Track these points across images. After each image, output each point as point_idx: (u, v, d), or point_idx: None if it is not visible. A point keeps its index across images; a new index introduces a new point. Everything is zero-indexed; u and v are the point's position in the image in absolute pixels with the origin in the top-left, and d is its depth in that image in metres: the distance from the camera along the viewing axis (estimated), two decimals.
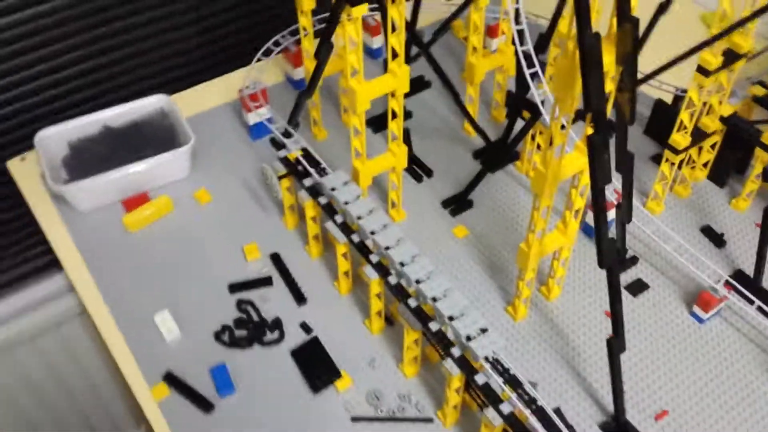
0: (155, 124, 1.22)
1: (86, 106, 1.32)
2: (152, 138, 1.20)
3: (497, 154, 1.19)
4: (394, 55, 0.94)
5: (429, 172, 1.24)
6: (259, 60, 1.32)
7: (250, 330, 1.00)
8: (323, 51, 1.01)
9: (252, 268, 1.08)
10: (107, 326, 1.01)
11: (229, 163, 1.24)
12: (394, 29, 0.91)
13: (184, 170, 1.19)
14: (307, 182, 1.01)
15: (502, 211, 1.18)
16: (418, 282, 0.85)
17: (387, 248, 0.89)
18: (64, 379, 1.69)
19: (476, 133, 1.23)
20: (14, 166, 1.24)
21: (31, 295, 1.53)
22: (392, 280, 0.89)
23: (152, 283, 1.06)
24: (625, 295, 1.05)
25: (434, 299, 0.83)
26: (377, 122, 1.30)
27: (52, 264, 1.52)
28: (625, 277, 1.07)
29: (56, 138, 1.17)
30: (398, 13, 0.90)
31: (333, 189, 0.96)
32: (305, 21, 1.14)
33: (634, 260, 1.09)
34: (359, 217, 0.93)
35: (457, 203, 1.18)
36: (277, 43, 1.33)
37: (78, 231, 1.13)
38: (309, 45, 1.17)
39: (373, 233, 0.91)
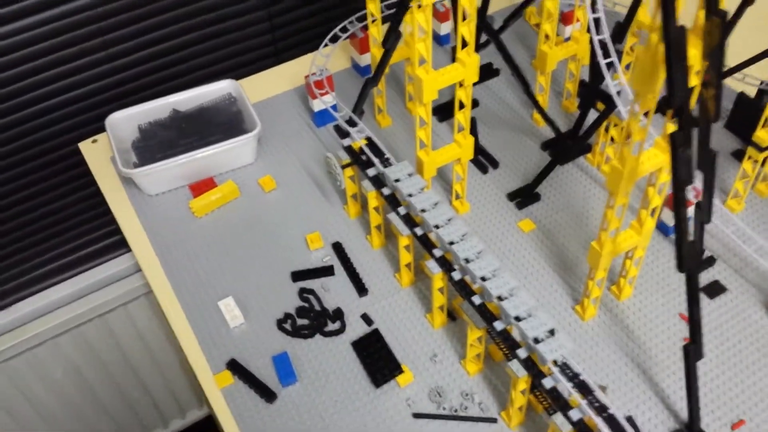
0: (223, 109, 1.22)
1: (156, 89, 1.34)
2: (219, 123, 1.20)
3: (568, 146, 1.15)
4: (464, 44, 0.92)
5: (495, 163, 1.21)
6: (326, 45, 1.31)
7: (312, 319, 0.99)
8: (391, 39, 0.99)
9: (315, 256, 1.08)
10: (173, 311, 1.02)
11: (294, 149, 1.24)
12: (464, 17, 0.89)
13: (250, 156, 1.20)
14: (371, 172, 1.00)
15: (571, 205, 1.14)
16: (483, 279, 0.83)
17: (451, 243, 0.87)
18: (129, 357, 1.74)
19: (546, 123, 1.19)
20: (86, 147, 1.27)
21: (100, 273, 1.57)
22: (456, 275, 0.87)
23: (217, 269, 1.07)
24: (702, 298, 1.00)
25: (500, 298, 0.81)
26: (443, 111, 1.27)
27: (121, 243, 1.56)
28: (702, 279, 1.02)
29: (126, 121, 1.19)
30: (469, 1, 0.87)
31: (397, 180, 0.95)
32: (373, 7, 1.12)
33: (711, 261, 1.04)
34: (423, 210, 0.91)
35: (524, 196, 1.14)
36: (344, 29, 1.31)
37: (146, 214, 1.15)
38: (376, 32, 1.15)
39: (437, 227, 0.89)
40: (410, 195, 0.92)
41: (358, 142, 1.04)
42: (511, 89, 1.33)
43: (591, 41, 1.05)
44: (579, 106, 1.25)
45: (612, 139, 1.13)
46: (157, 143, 1.17)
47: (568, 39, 1.22)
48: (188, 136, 1.18)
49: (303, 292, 1.03)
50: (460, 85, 0.95)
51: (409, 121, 1.29)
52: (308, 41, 1.40)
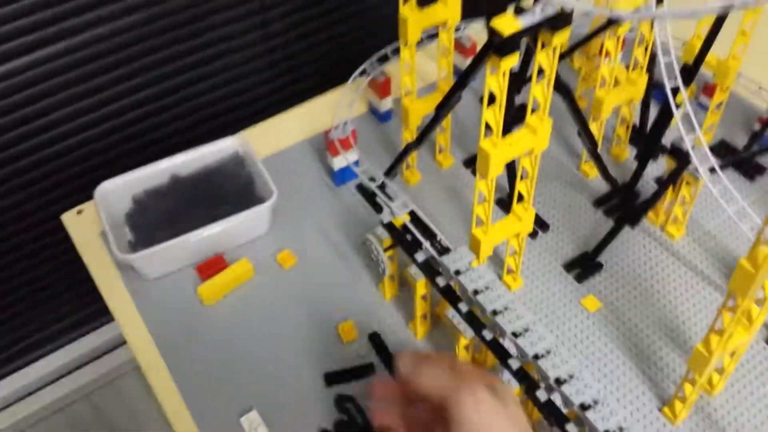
0: (230, 171, 1.06)
1: (150, 151, 1.17)
2: (227, 189, 1.03)
3: (635, 206, 1.01)
4: (535, 107, 0.77)
5: (545, 226, 1.06)
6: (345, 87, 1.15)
7: None
8: (451, 102, 0.83)
9: (348, 350, 0.92)
10: (186, 430, 0.85)
11: (312, 214, 1.08)
12: (540, 76, 0.73)
13: (265, 226, 1.03)
14: (420, 257, 0.84)
15: (637, 275, 0.99)
16: (583, 407, 0.67)
17: (536, 357, 0.71)
18: None
19: (607, 182, 1.04)
20: (70, 220, 1.09)
21: (85, 346, 1.40)
22: (541, 395, 0.71)
23: (235, 373, 0.90)
24: None
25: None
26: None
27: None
28: None
29: (119, 191, 1.02)
30: (547, 59, 0.71)
31: (457, 272, 0.79)
32: (408, 54, 0.96)
33: None
34: (495, 312, 0.75)
35: (584, 266, 1.00)
36: (362, 72, 1.15)
37: (145, 304, 0.98)
38: (410, 82, 1.00)
39: (515, 335, 0.73)
40: (476, 292, 0.77)
41: (400, 218, 0.88)
42: (552, 135, 1.18)
43: (655, 87, 0.91)
44: (637, 157, 1.11)
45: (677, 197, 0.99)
46: (155, 217, 1.00)
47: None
48: (192, 207, 1.01)
49: (340, 400, 0.86)
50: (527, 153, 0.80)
51: (440, 176, 1.13)
52: (314, 89, 1.24)
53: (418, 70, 1.01)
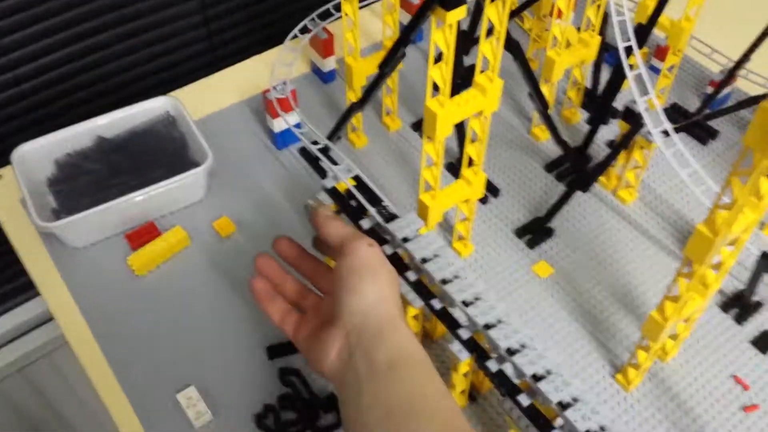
0: (161, 133, 0.99)
1: (74, 112, 1.08)
2: (158, 152, 0.97)
3: (587, 170, 0.98)
4: (484, 67, 0.72)
5: (495, 191, 1.02)
6: (288, 42, 1.08)
7: (300, 410, 0.79)
8: (394, 61, 0.78)
9: None
10: (119, 408, 0.80)
11: (252, 179, 1.02)
12: (489, 33, 0.69)
13: (200, 192, 0.97)
14: (365, 224, 0.79)
15: (589, 240, 0.97)
16: (536, 378, 0.64)
17: (487, 327, 0.68)
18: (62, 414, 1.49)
19: (559, 146, 1.00)
20: None
21: (15, 319, 1.32)
22: (492, 366, 0.68)
23: (171, 347, 0.84)
24: (754, 352, 0.86)
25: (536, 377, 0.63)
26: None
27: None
28: (751, 330, 0.88)
29: (39, 154, 0.94)
30: (497, 14, 0.67)
31: (405, 240, 0.75)
32: (350, 9, 0.90)
33: (757, 306, 0.90)
34: (444, 281, 0.71)
35: (535, 232, 0.97)
36: (303, 29, 1.09)
37: (72, 274, 0.91)
38: (352, 38, 0.94)
39: (466, 304, 0.69)
40: (424, 260, 0.73)
41: (343, 182, 0.83)
42: (502, 97, 1.14)
43: (603, 48, 0.88)
44: (588, 120, 1.08)
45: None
46: (81, 182, 0.93)
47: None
48: (121, 171, 0.94)
49: (284, 374, 0.82)
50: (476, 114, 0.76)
51: (386, 139, 1.09)
52: (252, 46, 1.17)
53: (362, 29, 0.96)
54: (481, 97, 0.73)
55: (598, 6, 0.95)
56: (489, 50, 0.70)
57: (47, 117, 1.07)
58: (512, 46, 0.78)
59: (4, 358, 1.29)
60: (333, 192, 0.83)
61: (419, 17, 0.67)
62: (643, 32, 0.91)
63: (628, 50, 0.87)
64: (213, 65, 1.22)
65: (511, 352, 0.66)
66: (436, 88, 0.70)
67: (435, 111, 0.70)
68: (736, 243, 0.67)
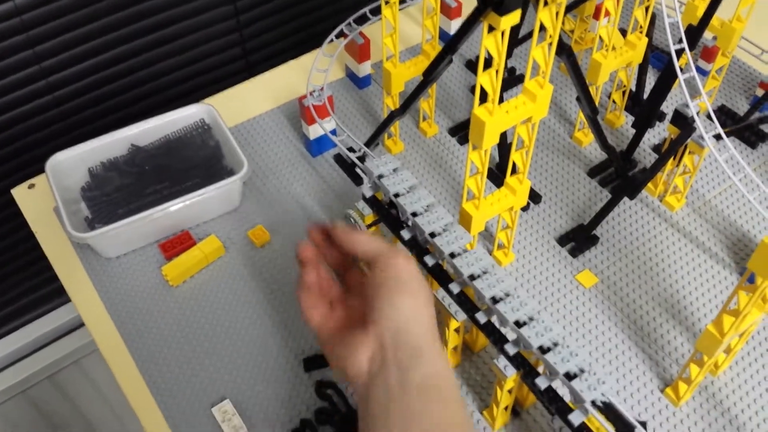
0: (195, 142, 0.97)
1: (107, 120, 1.07)
2: (193, 161, 0.95)
3: (634, 176, 0.94)
4: (534, 72, 0.69)
5: (537, 197, 0.99)
6: (323, 51, 1.06)
7: (337, 425, 0.77)
8: (440, 68, 0.75)
9: None
10: (152, 421, 0.78)
11: (287, 187, 1.00)
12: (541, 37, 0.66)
13: (235, 201, 0.95)
14: (406, 235, 0.77)
15: (635, 248, 0.93)
16: (595, 404, 0.61)
17: (542, 350, 0.64)
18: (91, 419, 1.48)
19: (606, 151, 0.97)
20: (21, 194, 1.00)
21: (45, 326, 1.31)
22: (541, 382, 0.65)
23: (205, 360, 0.83)
24: None
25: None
26: (466, 129, 1.05)
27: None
28: None
29: (74, 163, 0.93)
30: (550, 19, 0.64)
31: (453, 255, 0.71)
32: (389, 13, 0.88)
33: None
34: (495, 300, 0.68)
35: (579, 240, 0.94)
36: (339, 34, 1.07)
37: (105, 285, 0.90)
38: (391, 43, 0.91)
39: (519, 325, 0.66)
40: (473, 277, 0.69)
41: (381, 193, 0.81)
42: None
43: (650, 50, 0.84)
44: (634, 124, 1.04)
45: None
46: (115, 192, 0.92)
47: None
48: (155, 180, 0.92)
49: (321, 387, 0.80)
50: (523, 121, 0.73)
51: (424, 145, 1.06)
52: (286, 51, 1.15)
53: (399, 32, 0.93)
54: (531, 103, 0.70)
55: (647, 7, 0.92)
56: (541, 55, 0.67)
57: (80, 124, 1.05)
58: (564, 50, 0.75)
59: (35, 365, 1.29)
60: (372, 201, 0.81)
61: (471, 22, 0.64)
62: (693, 34, 0.87)
63: (678, 52, 0.83)
64: (246, 70, 1.20)
65: (570, 376, 0.63)
66: (483, 95, 0.67)
67: (484, 119, 0.68)
68: None
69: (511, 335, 0.68)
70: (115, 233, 0.85)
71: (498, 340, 0.69)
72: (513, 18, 0.59)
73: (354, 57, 1.10)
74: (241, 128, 1.07)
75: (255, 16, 1.17)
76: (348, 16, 1.05)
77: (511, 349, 0.67)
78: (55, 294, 1.33)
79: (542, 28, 0.64)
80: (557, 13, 0.63)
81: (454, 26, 1.18)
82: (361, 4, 1.05)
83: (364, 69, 1.12)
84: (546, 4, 0.62)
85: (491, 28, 0.60)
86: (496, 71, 0.64)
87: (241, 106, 1.10)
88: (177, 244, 0.91)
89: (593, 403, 0.61)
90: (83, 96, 1.05)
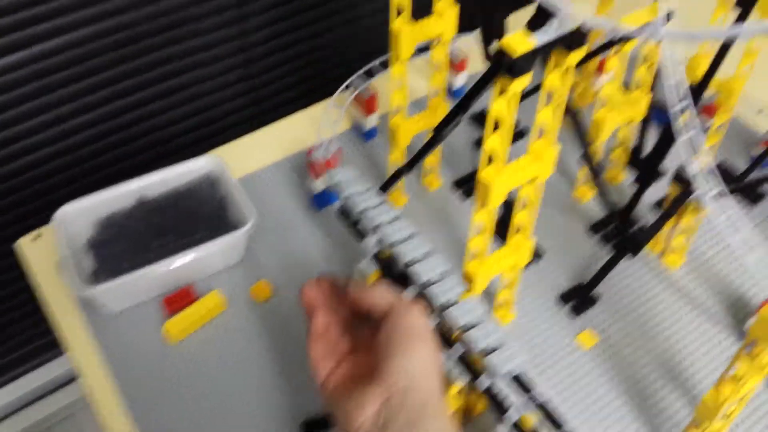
0: (202, 193, 0.98)
1: (115, 168, 1.08)
2: (200, 213, 0.95)
3: (636, 233, 0.95)
4: (541, 133, 0.70)
5: (538, 254, 1.00)
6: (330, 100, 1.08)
7: None
8: (450, 127, 0.76)
9: None
10: None
11: (290, 241, 1.00)
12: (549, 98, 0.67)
13: (239, 255, 0.96)
14: (410, 292, 0.77)
15: (634, 307, 0.94)
16: None
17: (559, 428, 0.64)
18: None
19: (608, 209, 0.98)
20: (27, 246, 1.00)
21: (39, 379, 1.30)
22: None
23: (203, 420, 0.81)
24: None
25: None
26: (470, 183, 1.06)
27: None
28: None
29: (82, 215, 0.93)
30: (560, 80, 0.65)
31: (462, 323, 0.71)
32: (399, 71, 0.89)
33: None
34: (485, 352, 0.68)
35: (580, 298, 0.94)
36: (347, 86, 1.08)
37: (106, 339, 0.89)
38: (401, 99, 0.93)
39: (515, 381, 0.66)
40: (482, 352, 0.69)
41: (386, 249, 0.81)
42: None
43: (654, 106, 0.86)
44: (637, 179, 1.06)
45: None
46: (120, 244, 0.92)
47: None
48: (162, 233, 0.92)
49: None
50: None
51: (428, 199, 1.07)
52: (296, 100, 1.17)
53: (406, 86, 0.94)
54: (537, 163, 0.71)
55: (650, 64, 0.94)
56: (548, 117, 0.68)
57: (86, 173, 1.06)
58: (570, 113, 0.76)
59: (26, 420, 1.26)
60: (379, 258, 0.81)
61: (482, 84, 0.66)
62: (695, 93, 0.89)
63: (681, 111, 0.85)
64: (255, 118, 1.22)
65: None
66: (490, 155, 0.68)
67: (489, 181, 0.69)
68: None
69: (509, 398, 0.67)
70: (120, 287, 0.85)
71: (499, 407, 0.68)
72: (524, 81, 0.60)
73: (361, 109, 1.12)
74: (248, 179, 1.07)
75: (264, 67, 1.19)
76: (355, 65, 1.06)
77: (513, 415, 0.67)
78: (46, 347, 1.32)
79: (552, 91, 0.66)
80: (566, 75, 0.64)
81: (459, 80, 1.20)
82: (367, 54, 1.07)
83: (371, 121, 1.13)
84: (555, 66, 0.63)
85: (502, 90, 0.62)
86: (506, 133, 0.65)
87: (249, 157, 1.11)
88: (180, 298, 0.90)
89: None
90: (91, 145, 1.06)
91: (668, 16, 0.83)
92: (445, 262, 0.73)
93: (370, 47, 1.07)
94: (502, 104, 0.62)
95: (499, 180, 0.69)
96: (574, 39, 0.58)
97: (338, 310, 0.69)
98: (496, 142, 0.66)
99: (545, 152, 0.70)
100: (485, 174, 0.69)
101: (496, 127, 0.65)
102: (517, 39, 0.57)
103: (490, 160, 0.68)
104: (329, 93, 1.08)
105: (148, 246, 0.91)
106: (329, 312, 0.67)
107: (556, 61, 0.61)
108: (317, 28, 1.20)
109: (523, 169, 0.71)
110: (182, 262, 0.87)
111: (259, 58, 1.16)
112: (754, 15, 0.88)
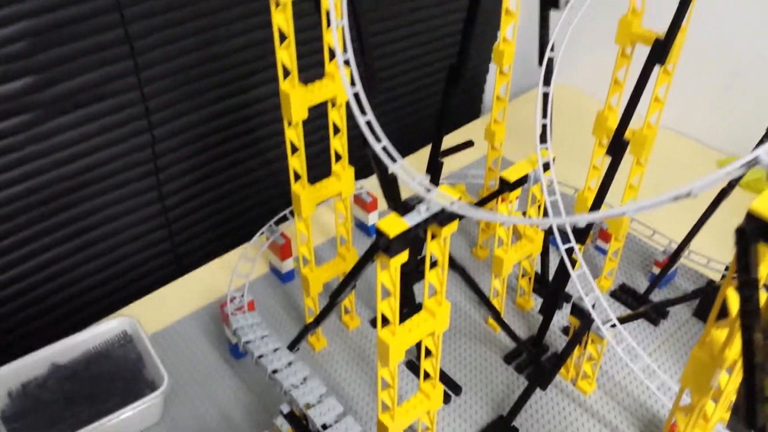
0: (117, 356, 0.98)
1: (24, 329, 1.07)
2: (114, 377, 0.95)
3: (545, 367, 0.99)
4: (433, 292, 0.74)
5: (457, 389, 1.02)
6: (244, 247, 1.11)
7: None
8: (345, 293, 0.80)
9: None
10: None
11: (210, 396, 1.00)
12: (433, 266, 0.71)
13: (156, 416, 0.95)
14: None
15: None
16: None
17: None
18: None
19: (516, 343, 1.02)
20: None
21: None
22: None
23: None
24: None
25: None
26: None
27: None
28: None
29: None
30: (440, 249, 0.70)
31: None
32: (303, 227, 0.94)
33: None
34: None
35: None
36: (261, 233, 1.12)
37: None
38: (307, 251, 0.97)
39: None
40: None
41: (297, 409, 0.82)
42: (456, 288, 1.17)
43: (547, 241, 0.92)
44: (541, 310, 1.10)
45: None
46: (35, 417, 0.90)
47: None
48: (76, 401, 0.92)
49: None
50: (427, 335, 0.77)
51: (347, 338, 1.09)
52: (214, 251, 1.20)
53: (319, 224, 0.99)
54: (432, 320, 0.75)
55: (539, 206, 1.00)
56: (435, 279, 0.72)
57: None
58: (456, 268, 0.81)
59: None
60: (291, 417, 0.82)
61: (366, 259, 0.70)
62: (582, 233, 0.95)
63: (569, 251, 0.90)
64: (175, 263, 1.23)
65: None
66: (385, 319, 0.71)
67: (387, 342, 0.71)
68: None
69: None
70: None
71: None
72: (402, 258, 0.65)
73: (277, 255, 1.15)
74: (166, 333, 1.08)
75: (177, 216, 1.22)
76: (272, 209, 1.10)
77: None
78: None
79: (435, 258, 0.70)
80: (444, 244, 0.69)
81: (372, 218, 1.25)
82: (283, 199, 1.10)
83: (287, 265, 1.16)
84: (433, 237, 0.68)
85: (383, 266, 0.65)
86: (394, 298, 0.69)
87: (165, 310, 1.12)
88: None
89: None
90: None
91: (546, 166, 0.90)
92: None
93: (281, 197, 1.12)
94: (385, 276, 0.66)
95: (395, 339, 0.72)
96: (444, 216, 0.63)
97: None
98: (386, 306, 0.69)
99: (437, 309, 0.74)
100: (383, 335, 0.72)
101: (385, 295, 0.68)
102: (390, 221, 0.61)
103: (384, 323, 0.71)
104: (249, 235, 1.11)
105: (62, 416, 0.90)
106: None
107: (432, 233, 0.66)
108: (222, 178, 1.26)
109: (418, 326, 0.74)
110: (97, 430, 0.86)
111: (172, 207, 1.20)
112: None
